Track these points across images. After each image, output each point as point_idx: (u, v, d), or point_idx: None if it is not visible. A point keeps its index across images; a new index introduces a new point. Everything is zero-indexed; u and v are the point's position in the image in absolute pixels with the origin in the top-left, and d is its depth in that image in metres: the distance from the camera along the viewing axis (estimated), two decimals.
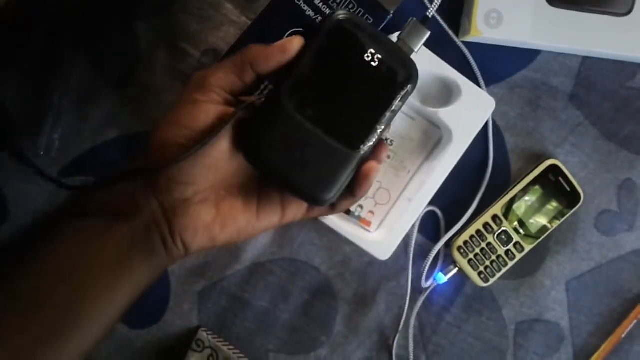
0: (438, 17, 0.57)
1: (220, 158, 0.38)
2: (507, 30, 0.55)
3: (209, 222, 0.39)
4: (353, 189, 0.40)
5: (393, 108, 0.38)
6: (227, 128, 0.37)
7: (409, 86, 0.38)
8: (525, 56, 0.59)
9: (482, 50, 0.58)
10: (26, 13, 0.54)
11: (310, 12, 0.52)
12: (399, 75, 0.38)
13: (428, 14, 0.42)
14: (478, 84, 0.58)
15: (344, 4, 0.53)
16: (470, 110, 0.56)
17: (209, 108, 0.37)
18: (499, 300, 0.60)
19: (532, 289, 0.61)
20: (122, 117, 0.56)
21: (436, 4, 0.43)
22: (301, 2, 0.52)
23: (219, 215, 0.39)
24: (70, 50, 0.55)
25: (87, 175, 0.56)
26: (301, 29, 0.52)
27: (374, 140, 0.38)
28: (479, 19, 0.55)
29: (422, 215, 0.57)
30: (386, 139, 0.56)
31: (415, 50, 0.40)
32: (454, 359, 0.60)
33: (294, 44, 0.38)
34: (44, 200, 0.55)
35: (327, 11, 0.52)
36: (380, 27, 0.53)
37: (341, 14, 0.38)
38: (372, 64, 0.38)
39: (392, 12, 0.53)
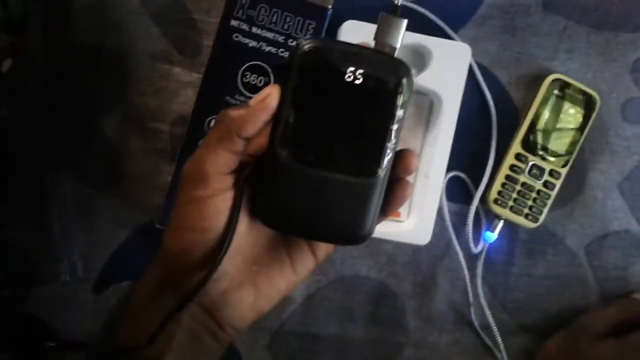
0: None
1: (241, 240, 0.37)
2: None
3: (251, 302, 0.38)
4: (385, 211, 0.37)
5: (396, 119, 0.35)
6: (241, 210, 0.36)
7: (404, 88, 0.34)
8: None
9: (436, 0, 0.55)
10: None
11: (253, 43, 0.51)
12: (389, 82, 0.34)
13: (396, 2, 0.37)
14: (447, 36, 0.55)
15: (280, 22, 0.51)
16: (448, 65, 0.53)
17: (216, 203, 0.35)
18: (557, 232, 0.58)
19: (586, 208, 0.58)
20: (126, 215, 0.55)
21: None
22: (239, 37, 0.51)
23: (259, 291, 0.39)
24: (50, 171, 0.55)
25: (120, 281, 0.56)
26: (256, 63, 0.51)
27: (389, 158, 0.35)
28: None
29: (445, 185, 0.55)
30: None
31: (397, 45, 0.36)
32: (537, 306, 0.58)
33: (272, 96, 0.34)
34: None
35: (268, 35, 0.51)
36: (326, 25, 0.52)
37: (304, 45, 0.34)
38: (357, 82, 0.34)
39: (329, 6, 0.51)
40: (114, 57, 0.54)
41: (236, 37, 0.51)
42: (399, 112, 0.35)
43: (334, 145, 0.35)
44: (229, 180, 0.36)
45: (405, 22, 0.36)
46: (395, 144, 0.35)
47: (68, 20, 0.54)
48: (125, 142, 0.55)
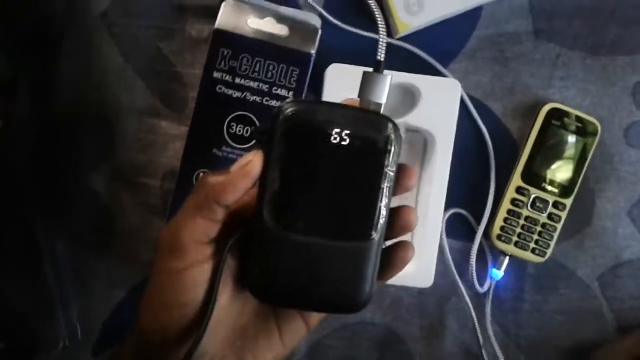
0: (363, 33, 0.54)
1: (223, 313, 0.35)
2: (433, 8, 0.51)
3: None
4: (384, 275, 0.35)
5: (387, 177, 0.33)
6: (223, 281, 0.34)
7: (392, 145, 0.33)
8: (469, 19, 0.54)
9: (424, 37, 0.54)
10: None
11: (237, 94, 0.50)
12: (377, 140, 0.33)
13: (379, 58, 0.35)
14: (437, 71, 0.54)
15: (263, 70, 0.50)
16: (438, 101, 0.52)
17: (193, 275, 0.33)
18: (567, 265, 0.55)
19: (596, 238, 0.55)
20: (121, 273, 0.55)
21: (382, 43, 0.35)
22: (223, 88, 0.50)
23: None
24: (43, 231, 0.55)
25: (119, 341, 0.55)
26: (241, 113, 0.50)
27: (383, 218, 0.33)
28: (400, 14, 0.51)
29: (445, 223, 0.53)
30: None
31: (383, 101, 0.34)
32: (552, 342, 0.56)
33: (254, 163, 0.33)
34: None
35: (252, 85, 0.50)
36: (310, 71, 0.51)
37: (286, 109, 0.33)
38: (343, 143, 0.33)
39: (312, 52, 0.50)
40: (101, 115, 0.54)
41: (220, 88, 0.50)
42: (390, 170, 0.33)
43: (323, 211, 0.33)
44: (208, 250, 0.33)
45: (389, 78, 0.34)
46: (389, 202, 0.34)
47: (54, 81, 0.54)
48: (116, 199, 0.54)
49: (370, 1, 0.46)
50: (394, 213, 0.34)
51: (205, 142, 0.51)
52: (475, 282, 0.53)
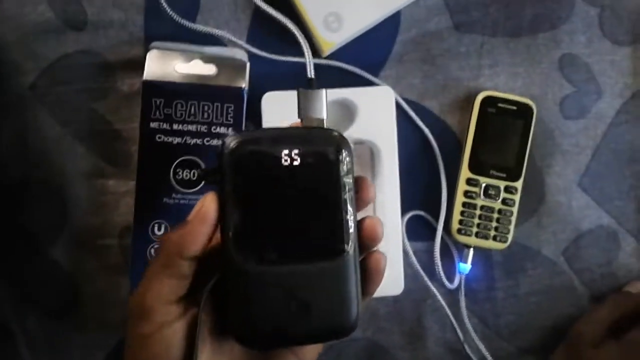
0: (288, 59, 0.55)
1: None
2: (353, 22, 0.52)
3: None
4: (366, 290, 0.35)
5: (346, 188, 0.33)
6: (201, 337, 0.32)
7: (344, 155, 0.33)
8: (390, 26, 0.55)
9: (350, 51, 0.55)
10: None
11: (177, 140, 0.51)
12: (328, 153, 0.33)
13: (309, 76, 0.37)
14: (370, 82, 0.55)
15: (199, 112, 0.51)
16: (375, 111, 0.53)
17: (165, 337, 0.32)
18: (531, 245, 0.56)
19: (553, 214, 0.56)
20: (96, 338, 0.54)
21: (309, 62, 0.37)
22: (162, 137, 0.51)
23: None
24: (12, 311, 0.54)
25: None
26: (185, 158, 0.51)
27: (352, 229, 0.33)
28: (322, 33, 0.52)
29: (405, 227, 0.54)
30: None
31: (324, 116, 0.35)
32: (532, 325, 0.56)
33: (208, 205, 0.32)
34: None
35: (191, 128, 0.51)
36: (245, 104, 0.51)
37: (229, 143, 0.32)
38: (295, 163, 0.32)
39: (244, 85, 0.51)
40: (49, 185, 0.54)
41: (159, 137, 0.51)
42: (346, 180, 0.33)
43: (292, 235, 0.33)
44: (177, 310, 0.33)
45: (324, 92, 0.35)
46: (355, 213, 0.33)
47: None
48: (78, 266, 0.54)
49: (289, 25, 0.48)
50: (359, 226, 0.34)
51: (154, 192, 0.51)
52: (444, 280, 0.54)
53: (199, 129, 0.51)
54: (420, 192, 0.55)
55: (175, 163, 0.51)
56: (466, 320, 0.54)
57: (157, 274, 0.32)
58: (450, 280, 0.55)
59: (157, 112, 0.50)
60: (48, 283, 0.54)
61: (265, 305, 0.32)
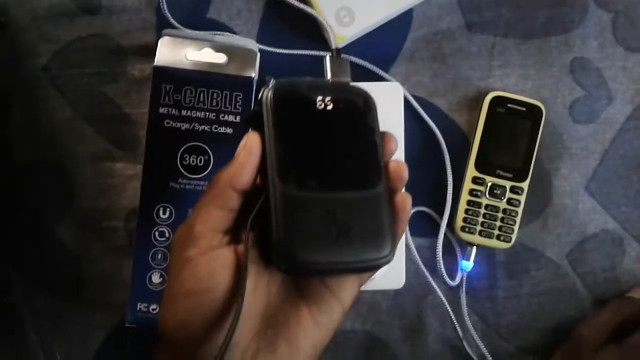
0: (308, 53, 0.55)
1: (247, 302, 0.32)
2: (364, 17, 0.52)
3: None
4: (394, 229, 0.35)
5: (376, 132, 0.36)
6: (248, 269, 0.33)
7: (371, 105, 0.37)
8: (402, 23, 0.55)
9: (361, 46, 0.55)
10: None
11: (185, 126, 0.51)
12: (358, 102, 0.36)
13: (336, 47, 0.41)
14: (380, 77, 0.55)
15: (207, 100, 0.51)
16: (383, 106, 0.51)
17: (210, 260, 0.33)
18: (535, 247, 0.56)
19: (558, 217, 0.56)
20: (98, 318, 0.54)
21: (333, 36, 0.41)
22: (171, 122, 0.51)
23: (281, 357, 0.34)
24: (22, 295, 0.55)
25: None
26: (192, 144, 0.51)
27: (382, 168, 0.35)
28: (334, 27, 0.52)
29: (408, 222, 0.54)
30: None
31: (349, 79, 0.38)
32: (532, 325, 0.56)
33: (252, 139, 0.34)
34: None
35: (199, 115, 0.51)
36: (254, 93, 0.52)
37: (270, 89, 0.35)
38: (328, 108, 0.35)
39: (253, 75, 0.51)
40: (58, 166, 0.54)
41: (167, 123, 0.51)
42: (377, 126, 0.36)
43: (329, 167, 0.35)
44: (223, 239, 0.34)
45: (349, 59, 0.40)
46: (382, 158, 0.36)
47: (3, 140, 0.54)
48: (84, 247, 0.54)
49: (306, 9, 0.49)
50: (385, 169, 0.36)
51: (161, 177, 0.51)
52: (446, 277, 0.54)
53: (207, 116, 0.51)
54: (426, 189, 0.56)
55: (183, 149, 0.51)
56: (466, 318, 0.54)
57: (207, 205, 0.34)
58: (452, 277, 0.55)
59: (167, 98, 0.51)
60: (54, 263, 0.55)
61: (306, 229, 0.33)
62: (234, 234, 0.34)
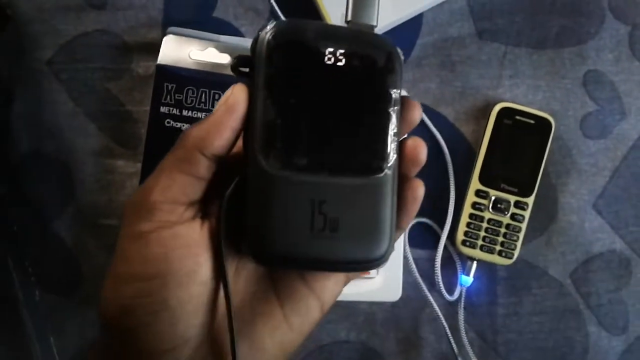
0: None
1: (209, 292, 0.28)
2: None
3: None
4: (398, 221, 0.30)
5: (393, 100, 0.29)
6: (207, 249, 0.28)
7: (396, 65, 0.29)
8: (411, 27, 0.54)
9: None
10: None
11: (185, 125, 0.50)
12: (378, 58, 0.29)
13: None
14: None
15: (209, 100, 0.50)
16: None
17: (163, 239, 0.27)
18: (538, 264, 0.54)
19: (564, 234, 0.54)
20: (95, 312, 0.54)
21: None
22: (171, 122, 0.51)
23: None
24: (16, 284, 0.55)
25: None
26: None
27: (394, 148, 0.29)
28: None
29: (407, 234, 0.53)
30: None
31: (375, 23, 0.31)
32: (531, 344, 0.55)
33: (237, 94, 0.28)
34: None
35: (200, 115, 0.50)
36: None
37: (270, 29, 0.28)
38: (339, 64, 0.28)
39: None
40: (56, 161, 0.54)
41: (168, 122, 0.51)
42: (395, 92, 0.29)
43: (325, 144, 0.28)
44: (185, 213, 0.28)
45: None
46: (398, 132, 0.29)
47: (5, 132, 0.54)
48: (80, 243, 0.54)
49: None
50: (400, 147, 0.30)
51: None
52: (444, 291, 0.53)
53: None
54: (428, 200, 0.53)
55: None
56: (463, 334, 0.53)
57: (168, 168, 0.28)
58: (451, 291, 0.53)
59: (168, 97, 0.50)
60: (51, 258, 0.55)
61: (286, 215, 0.28)
62: (199, 206, 0.29)
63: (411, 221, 0.31)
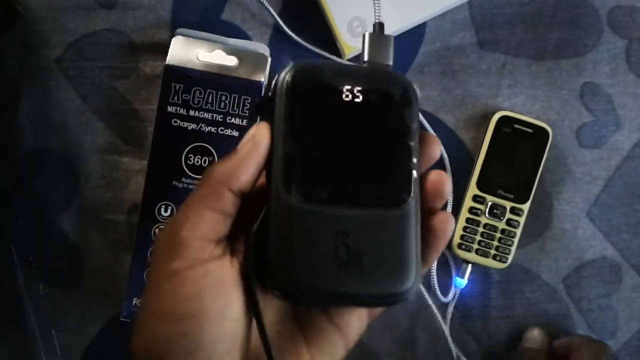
0: (317, 50, 0.55)
1: (235, 327, 0.28)
2: None
3: None
4: (426, 256, 0.30)
5: (412, 131, 0.30)
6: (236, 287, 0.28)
7: (412, 98, 0.31)
8: (414, 36, 0.55)
9: None
10: None
11: (192, 126, 0.51)
12: (394, 93, 0.30)
13: (377, 19, 0.33)
14: None
15: (216, 101, 0.51)
16: None
17: (196, 277, 0.27)
18: (531, 269, 0.56)
19: (557, 240, 0.56)
20: (94, 310, 0.55)
21: (377, 5, 0.34)
22: (178, 121, 0.51)
23: None
24: (19, 278, 0.55)
25: None
26: (198, 144, 0.52)
27: (415, 179, 0.29)
28: (345, 37, 0.52)
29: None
30: None
31: (390, 62, 0.33)
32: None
33: (261, 131, 0.29)
34: None
35: (207, 116, 0.51)
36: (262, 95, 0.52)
37: (289, 71, 0.30)
38: (357, 100, 0.30)
39: (263, 80, 0.52)
40: (62, 157, 0.55)
41: (175, 122, 0.52)
42: (414, 125, 0.30)
43: (347, 176, 0.29)
44: (215, 250, 0.28)
45: (392, 37, 0.33)
46: (418, 164, 0.30)
47: (12, 127, 0.55)
48: (84, 238, 0.55)
49: None
50: (422, 180, 0.30)
51: (165, 174, 0.52)
52: (438, 292, 0.54)
53: (214, 118, 0.52)
54: None
55: (188, 148, 0.51)
56: (449, 339, 0.54)
57: (197, 205, 0.28)
58: (445, 293, 0.55)
59: (176, 97, 0.51)
60: (55, 252, 0.56)
61: (309, 249, 0.28)
62: (226, 243, 0.29)
63: (438, 256, 0.31)
